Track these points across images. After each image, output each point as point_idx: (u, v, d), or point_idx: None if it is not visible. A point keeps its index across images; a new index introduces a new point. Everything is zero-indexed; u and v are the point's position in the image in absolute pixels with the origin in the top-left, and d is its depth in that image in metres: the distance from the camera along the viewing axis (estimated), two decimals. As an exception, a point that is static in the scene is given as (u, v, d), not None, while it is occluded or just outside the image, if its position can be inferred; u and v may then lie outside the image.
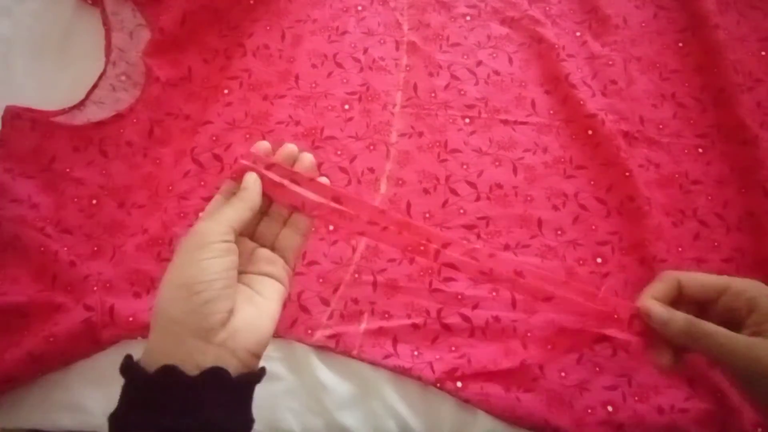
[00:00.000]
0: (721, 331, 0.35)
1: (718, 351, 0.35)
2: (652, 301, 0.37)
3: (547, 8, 0.66)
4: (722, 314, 0.36)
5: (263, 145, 0.38)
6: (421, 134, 0.59)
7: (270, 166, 0.38)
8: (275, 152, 0.39)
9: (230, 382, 0.31)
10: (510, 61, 0.63)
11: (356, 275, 0.53)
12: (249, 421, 0.33)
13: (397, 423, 0.49)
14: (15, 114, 0.56)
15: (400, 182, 0.57)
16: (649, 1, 0.67)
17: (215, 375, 0.31)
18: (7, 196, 0.53)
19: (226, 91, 0.60)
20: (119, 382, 0.51)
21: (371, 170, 0.58)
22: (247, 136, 0.58)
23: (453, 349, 0.50)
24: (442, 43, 0.64)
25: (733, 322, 0.36)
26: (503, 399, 0.48)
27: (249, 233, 0.38)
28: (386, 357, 0.50)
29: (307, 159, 0.39)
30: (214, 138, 0.58)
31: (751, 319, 0.35)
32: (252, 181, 0.37)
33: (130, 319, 0.50)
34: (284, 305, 0.36)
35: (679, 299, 0.38)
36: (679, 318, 0.36)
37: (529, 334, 0.51)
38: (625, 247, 0.55)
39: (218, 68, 0.62)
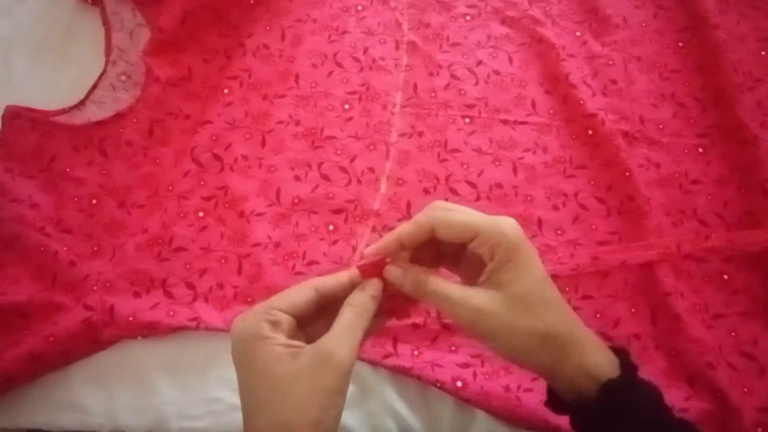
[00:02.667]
0: (442, 286, 0.34)
1: (443, 306, 0.35)
2: (390, 267, 0.36)
3: (547, 8, 0.66)
4: (471, 259, 0.35)
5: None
6: (421, 134, 0.59)
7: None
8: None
9: None
10: (510, 60, 0.63)
11: (356, 275, 0.53)
12: None
13: (397, 423, 0.49)
14: (15, 114, 0.56)
15: (400, 182, 0.57)
16: (649, 1, 0.67)
17: None
18: (7, 196, 0.53)
19: (226, 91, 0.60)
20: (119, 381, 0.51)
21: (371, 170, 0.58)
22: (247, 135, 0.58)
23: (453, 348, 0.50)
24: (442, 42, 0.64)
25: (480, 268, 0.35)
26: (503, 399, 0.48)
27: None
28: (386, 356, 0.50)
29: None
30: (214, 138, 0.58)
31: (487, 267, 0.34)
32: (380, 291, 0.35)
33: (130, 318, 0.50)
34: None
35: (433, 242, 0.36)
36: (408, 277, 0.35)
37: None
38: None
39: (218, 68, 0.62)
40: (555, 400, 0.36)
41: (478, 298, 0.33)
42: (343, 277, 0.36)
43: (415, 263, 0.36)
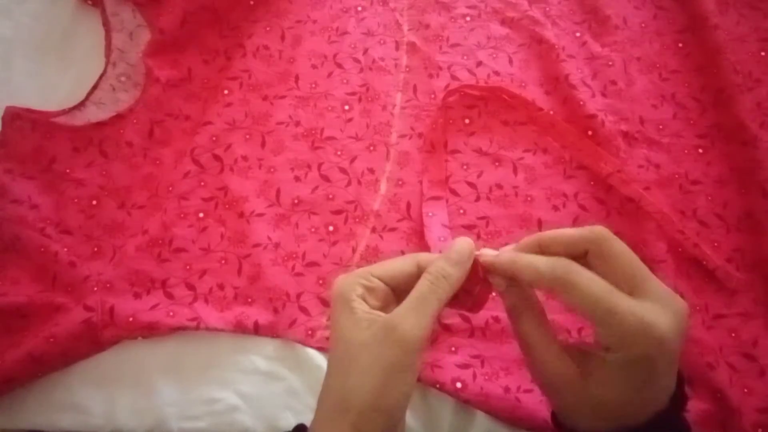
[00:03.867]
0: (534, 337, 0.32)
1: (522, 343, 0.33)
2: (519, 253, 0.33)
3: (547, 9, 0.66)
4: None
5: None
6: (420, 135, 0.59)
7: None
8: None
9: None
10: (510, 61, 0.63)
11: (356, 276, 0.53)
12: None
13: (397, 423, 0.49)
14: (15, 114, 0.56)
15: (400, 183, 0.57)
16: (648, 2, 0.67)
17: None
18: (7, 197, 0.53)
19: (226, 92, 0.60)
20: (119, 382, 0.51)
21: (371, 171, 0.58)
22: (247, 136, 0.58)
23: (452, 349, 0.50)
24: (442, 43, 0.64)
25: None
26: (503, 399, 0.48)
27: None
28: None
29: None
30: (214, 138, 0.58)
31: (605, 348, 0.30)
32: (466, 254, 0.32)
33: (130, 319, 0.50)
34: None
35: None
36: (512, 296, 0.33)
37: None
38: (625, 247, 0.55)
39: (218, 69, 0.62)
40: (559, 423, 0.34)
41: (566, 377, 0.30)
42: (446, 251, 0.33)
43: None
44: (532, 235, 0.33)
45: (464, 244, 0.32)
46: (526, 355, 0.33)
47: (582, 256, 0.31)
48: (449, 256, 0.32)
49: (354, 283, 0.32)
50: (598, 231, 0.31)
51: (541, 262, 0.31)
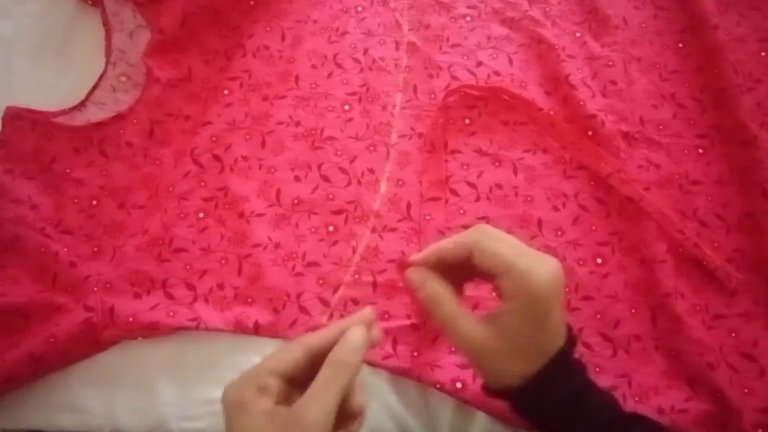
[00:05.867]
0: (455, 313, 0.36)
1: (446, 330, 0.37)
2: (416, 268, 0.38)
3: (547, 9, 0.66)
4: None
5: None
6: (420, 135, 0.59)
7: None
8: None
9: None
10: (510, 61, 0.63)
11: (356, 276, 0.53)
12: None
13: (396, 424, 0.49)
14: (15, 115, 0.56)
15: (400, 183, 0.57)
16: (648, 2, 0.67)
17: None
18: (7, 197, 0.53)
19: (226, 92, 0.60)
20: (119, 382, 0.51)
21: (371, 171, 0.58)
22: (247, 136, 0.58)
23: (452, 349, 0.50)
24: (442, 43, 0.64)
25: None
26: (503, 399, 0.48)
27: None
28: (386, 358, 0.50)
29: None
30: (214, 138, 0.58)
31: (504, 305, 0.35)
32: (361, 341, 0.34)
33: (130, 319, 0.50)
34: None
35: (468, 262, 0.37)
36: (427, 288, 0.37)
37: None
38: (625, 247, 0.55)
39: (218, 69, 0.62)
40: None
41: (481, 338, 0.35)
42: (331, 332, 0.36)
43: (446, 274, 0.38)
44: (428, 250, 0.38)
45: (358, 331, 0.35)
46: (450, 334, 0.37)
47: (469, 257, 0.37)
48: (345, 344, 0.34)
49: (244, 388, 0.33)
50: (472, 237, 0.36)
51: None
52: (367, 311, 0.37)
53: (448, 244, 0.37)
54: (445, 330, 0.37)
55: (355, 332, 0.35)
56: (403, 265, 0.38)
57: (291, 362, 0.35)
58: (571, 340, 0.38)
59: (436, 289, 0.37)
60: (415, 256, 0.38)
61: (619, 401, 0.39)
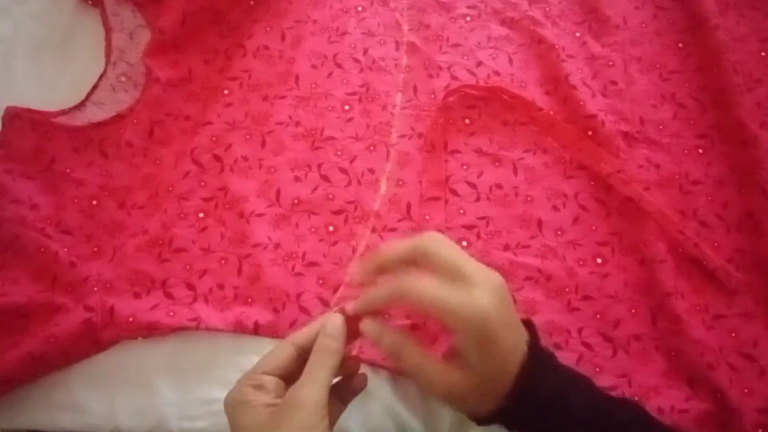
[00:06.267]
0: (420, 360, 0.37)
1: (417, 379, 0.39)
2: (369, 322, 0.39)
3: (547, 9, 0.66)
4: None
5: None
6: (420, 135, 0.59)
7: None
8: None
9: None
10: (510, 61, 0.63)
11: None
12: None
13: (396, 424, 0.49)
14: (15, 114, 0.56)
15: (400, 183, 0.57)
16: (649, 2, 0.67)
17: None
18: (7, 197, 0.53)
19: (226, 92, 0.60)
20: (119, 382, 0.51)
21: (371, 171, 0.58)
22: (247, 136, 0.58)
23: (453, 349, 0.50)
24: (442, 43, 0.64)
25: None
26: (503, 399, 0.48)
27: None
28: (386, 357, 0.50)
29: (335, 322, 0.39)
30: (214, 138, 0.58)
31: (456, 342, 0.37)
32: (339, 328, 0.37)
33: (130, 319, 0.50)
34: None
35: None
36: (386, 339, 0.38)
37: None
38: (625, 247, 0.55)
39: (218, 69, 0.62)
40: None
41: (449, 382, 0.37)
42: (315, 326, 0.39)
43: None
44: (370, 261, 0.40)
45: (335, 319, 0.38)
46: (420, 382, 0.39)
47: (414, 262, 0.38)
48: (325, 332, 0.37)
49: (240, 389, 0.36)
50: (419, 242, 0.38)
51: (383, 291, 0.38)
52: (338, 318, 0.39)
53: (394, 249, 0.39)
54: (413, 378, 0.39)
55: (332, 320, 0.38)
56: (345, 315, 0.39)
57: (282, 359, 0.37)
58: (534, 340, 0.38)
59: (395, 339, 0.38)
60: (350, 307, 0.39)
61: (594, 382, 0.40)
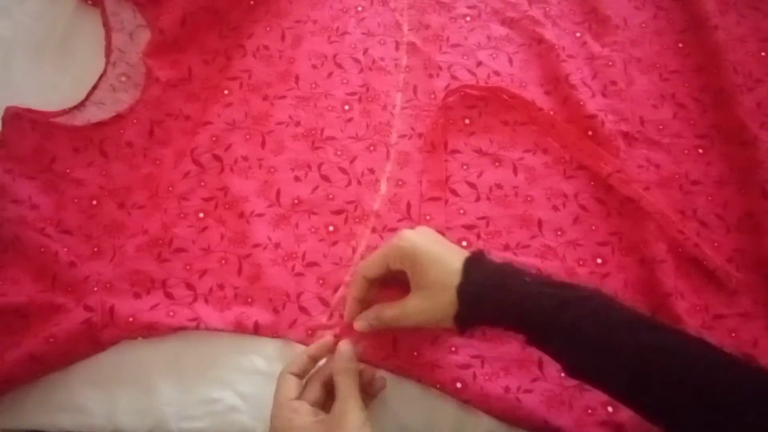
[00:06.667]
0: (387, 312, 0.47)
1: (398, 323, 0.47)
2: (357, 323, 0.48)
3: (547, 9, 0.66)
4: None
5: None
6: (420, 135, 0.59)
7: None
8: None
9: None
10: (510, 61, 0.63)
11: (356, 276, 0.53)
12: None
13: (396, 424, 0.49)
14: (15, 114, 0.56)
15: (400, 183, 0.57)
16: (649, 2, 0.67)
17: None
18: (7, 197, 0.53)
19: (226, 92, 0.60)
20: (119, 382, 0.51)
21: (371, 171, 0.58)
22: (247, 136, 0.58)
23: (453, 349, 0.50)
24: (442, 44, 0.64)
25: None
26: (503, 400, 0.48)
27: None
28: (386, 358, 0.50)
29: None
30: (214, 138, 0.58)
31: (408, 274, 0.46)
32: (351, 350, 0.46)
33: (130, 319, 0.50)
34: None
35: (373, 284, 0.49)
36: (371, 318, 0.47)
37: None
38: (625, 247, 0.55)
39: (218, 69, 0.62)
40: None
41: (418, 305, 0.45)
42: (308, 353, 0.47)
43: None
44: (355, 278, 0.49)
45: (345, 344, 0.46)
46: (404, 323, 0.47)
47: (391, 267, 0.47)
48: (342, 356, 0.45)
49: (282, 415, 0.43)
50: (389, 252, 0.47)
51: (363, 324, 0.48)
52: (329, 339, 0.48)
53: (372, 267, 0.48)
54: (398, 325, 0.47)
55: (343, 346, 0.46)
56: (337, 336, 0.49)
57: (308, 365, 0.47)
58: (477, 254, 0.46)
59: (379, 314, 0.47)
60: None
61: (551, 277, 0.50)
